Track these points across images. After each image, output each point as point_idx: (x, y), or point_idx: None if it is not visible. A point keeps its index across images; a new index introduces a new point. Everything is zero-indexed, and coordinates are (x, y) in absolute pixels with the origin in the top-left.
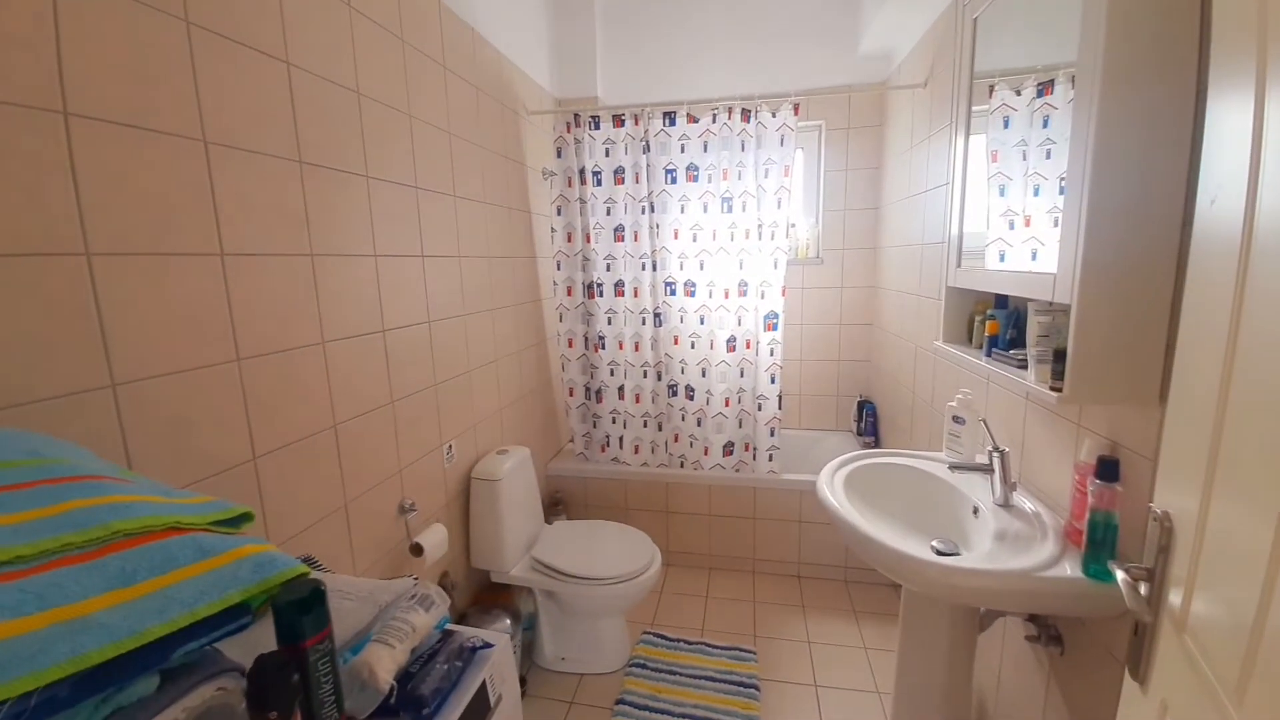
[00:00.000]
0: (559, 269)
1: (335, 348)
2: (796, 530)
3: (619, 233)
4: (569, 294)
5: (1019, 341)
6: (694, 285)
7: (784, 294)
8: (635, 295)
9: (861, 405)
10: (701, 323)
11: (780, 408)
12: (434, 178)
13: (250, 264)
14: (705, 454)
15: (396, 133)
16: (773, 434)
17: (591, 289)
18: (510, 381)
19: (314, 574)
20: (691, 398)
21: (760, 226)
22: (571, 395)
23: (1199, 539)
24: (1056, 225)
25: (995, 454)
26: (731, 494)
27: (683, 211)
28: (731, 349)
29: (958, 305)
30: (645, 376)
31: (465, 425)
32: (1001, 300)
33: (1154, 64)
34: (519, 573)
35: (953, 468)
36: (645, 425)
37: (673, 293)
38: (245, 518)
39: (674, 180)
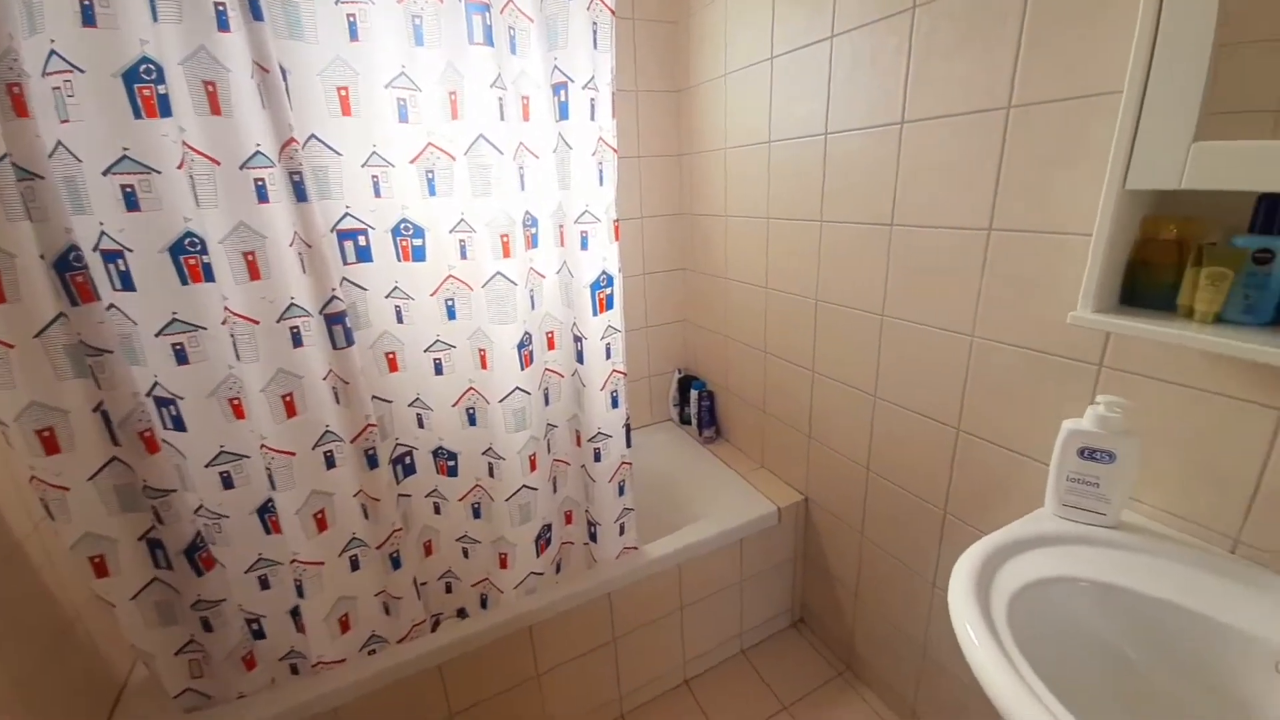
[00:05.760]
0: None
1: None
2: (677, 621)
3: (149, 89)
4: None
5: None
6: (418, 232)
7: (617, 235)
8: (255, 275)
9: (685, 384)
10: (450, 315)
11: (629, 444)
12: None
13: None
14: (503, 564)
15: None
16: (622, 490)
17: (75, 269)
18: None
19: None
20: (452, 471)
21: (564, 89)
22: (105, 573)
23: None
24: None
25: None
26: (572, 622)
27: (355, 36)
28: (527, 359)
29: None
30: (334, 465)
31: None
32: (1271, 213)
33: None
34: None
35: None
36: (356, 567)
37: (365, 256)
38: None
39: None
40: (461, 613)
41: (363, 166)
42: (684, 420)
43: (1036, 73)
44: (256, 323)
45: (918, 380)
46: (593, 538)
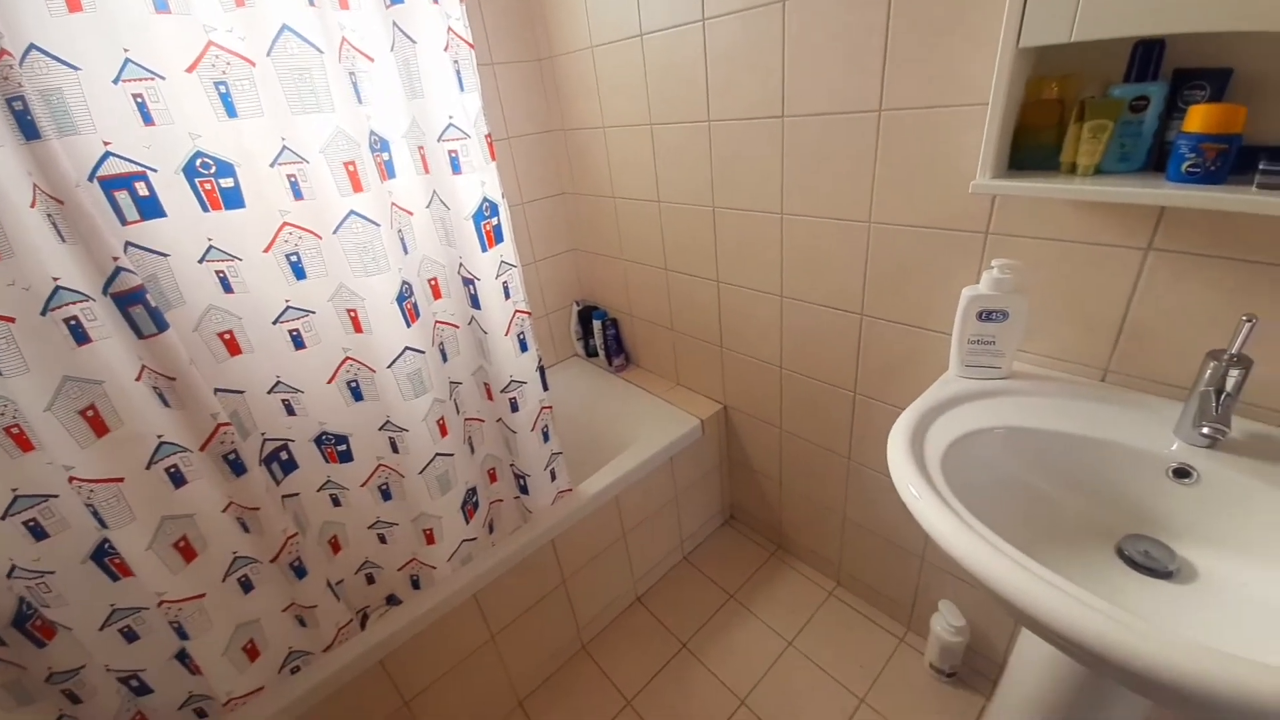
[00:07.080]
0: None
1: None
2: (623, 548)
3: None
4: None
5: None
6: (224, 169)
7: (493, 153)
8: None
9: (586, 315)
10: (299, 274)
11: (547, 386)
12: None
13: None
14: (429, 540)
15: None
16: (547, 436)
17: None
18: None
19: None
20: (345, 456)
21: None
22: None
23: None
24: None
25: (1230, 363)
26: (518, 578)
27: None
28: (412, 313)
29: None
30: (183, 481)
31: None
32: (1145, 60)
33: None
34: None
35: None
36: (249, 588)
37: (152, 209)
38: None
39: None
40: (391, 599)
41: (115, 83)
42: (590, 353)
43: None
44: (11, 320)
45: (821, 274)
46: (523, 490)
